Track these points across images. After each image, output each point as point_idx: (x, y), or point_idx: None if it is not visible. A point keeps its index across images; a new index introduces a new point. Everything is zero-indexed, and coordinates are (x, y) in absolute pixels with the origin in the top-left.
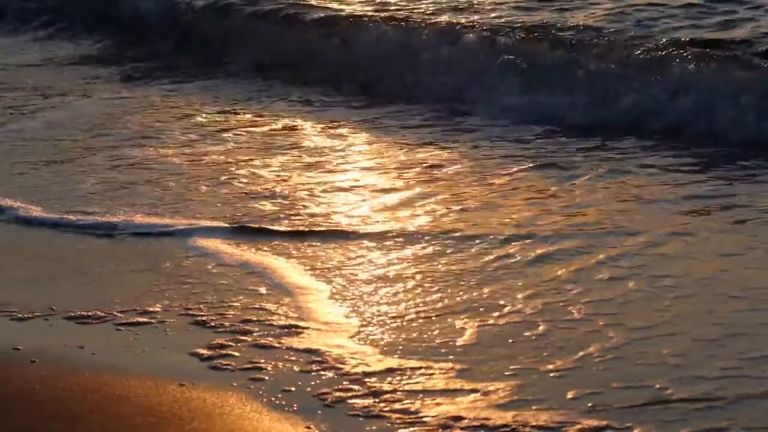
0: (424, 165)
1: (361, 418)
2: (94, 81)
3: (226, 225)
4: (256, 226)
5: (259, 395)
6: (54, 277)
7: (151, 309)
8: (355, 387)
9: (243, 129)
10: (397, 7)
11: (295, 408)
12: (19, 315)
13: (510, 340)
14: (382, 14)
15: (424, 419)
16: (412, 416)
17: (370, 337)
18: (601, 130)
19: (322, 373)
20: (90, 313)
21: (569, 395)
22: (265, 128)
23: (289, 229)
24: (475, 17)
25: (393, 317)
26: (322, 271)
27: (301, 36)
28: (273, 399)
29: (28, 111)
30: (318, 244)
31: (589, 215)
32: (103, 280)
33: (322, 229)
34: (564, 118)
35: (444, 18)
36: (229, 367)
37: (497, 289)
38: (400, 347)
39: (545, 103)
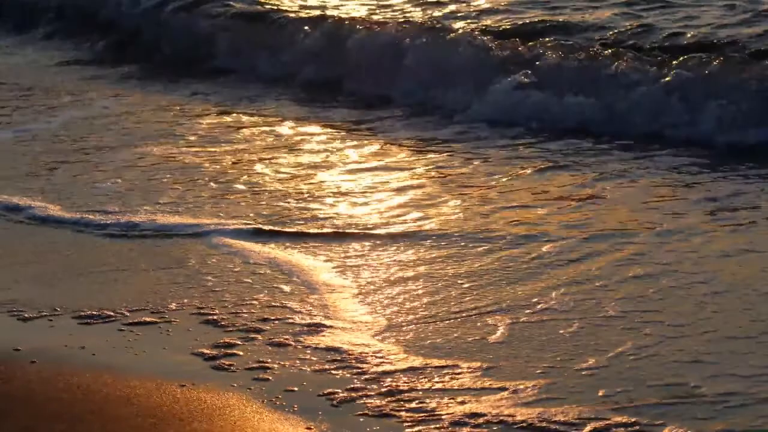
0: (440, 166)
1: (362, 419)
2: (102, 81)
3: (248, 224)
4: (278, 228)
5: (263, 396)
6: (67, 277)
7: (162, 308)
8: (369, 386)
9: (255, 129)
10: (397, 10)
11: (295, 408)
12: (26, 314)
13: (543, 338)
14: (383, 17)
15: (438, 417)
16: (423, 414)
17: (395, 336)
18: (607, 131)
19: (335, 372)
20: (99, 313)
21: (600, 393)
22: (275, 129)
23: (310, 230)
24: (474, 20)
25: (421, 316)
26: (347, 269)
27: (299, 39)
28: (275, 399)
29: (43, 111)
30: (342, 243)
31: (616, 214)
32: (118, 280)
33: (346, 230)
34: (568, 120)
35: (443, 21)
36: (232, 367)
37: (529, 287)
38: (427, 346)
39: (547, 104)
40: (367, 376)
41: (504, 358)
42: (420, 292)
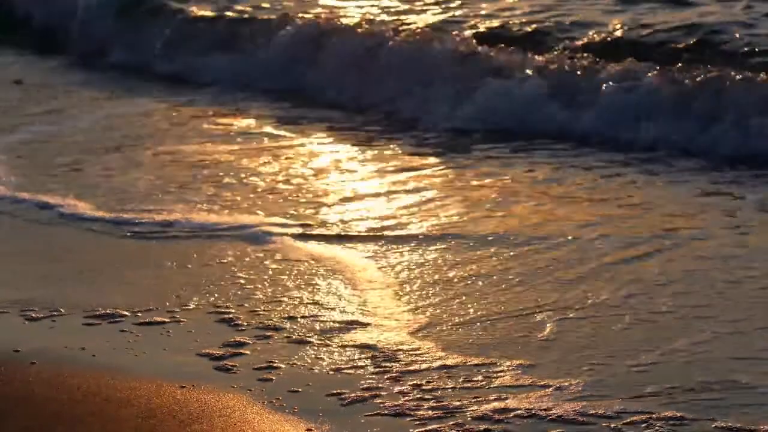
0: (464, 167)
1: (365, 419)
2: (98, 82)
3: (286, 223)
4: (316, 227)
5: (264, 397)
6: (87, 276)
7: (177, 308)
8: (388, 385)
9: (264, 131)
10: (394, 11)
11: (296, 409)
12: (33, 314)
13: (593, 335)
14: (376, 20)
15: (458, 414)
16: (441, 412)
17: (435, 334)
18: (608, 133)
19: (352, 371)
20: (113, 312)
21: (648, 389)
22: (285, 131)
23: (349, 229)
24: (469, 21)
25: (464, 314)
26: (387, 268)
27: (290, 44)
28: (275, 400)
29: (56, 112)
30: (382, 243)
31: (659, 213)
32: (140, 280)
33: (385, 230)
34: (564, 123)
35: (436, 24)
36: (235, 367)
37: (578, 285)
38: (467, 344)
39: (545, 107)
40: (391, 375)
41: (550, 356)
42: (465, 290)
